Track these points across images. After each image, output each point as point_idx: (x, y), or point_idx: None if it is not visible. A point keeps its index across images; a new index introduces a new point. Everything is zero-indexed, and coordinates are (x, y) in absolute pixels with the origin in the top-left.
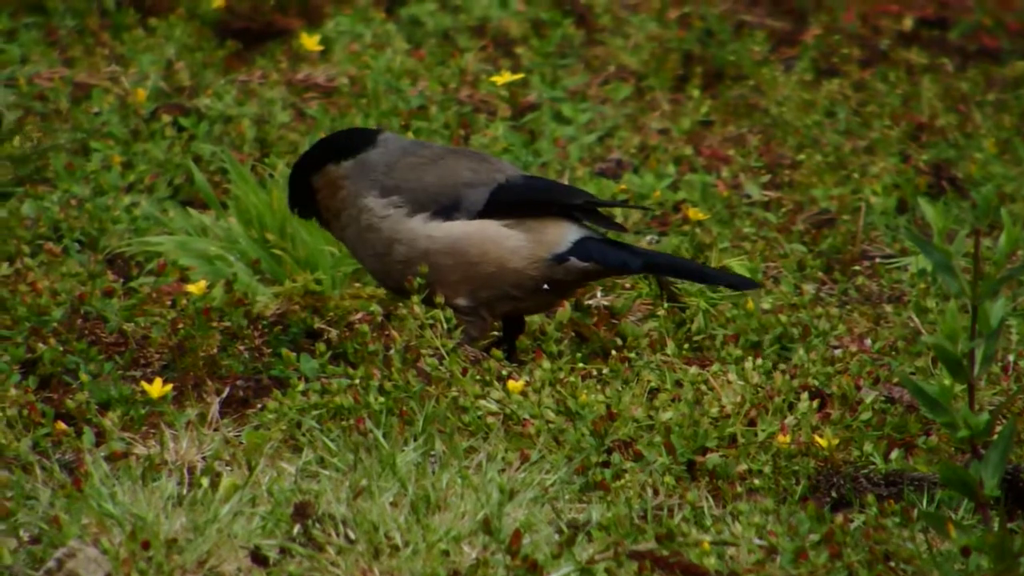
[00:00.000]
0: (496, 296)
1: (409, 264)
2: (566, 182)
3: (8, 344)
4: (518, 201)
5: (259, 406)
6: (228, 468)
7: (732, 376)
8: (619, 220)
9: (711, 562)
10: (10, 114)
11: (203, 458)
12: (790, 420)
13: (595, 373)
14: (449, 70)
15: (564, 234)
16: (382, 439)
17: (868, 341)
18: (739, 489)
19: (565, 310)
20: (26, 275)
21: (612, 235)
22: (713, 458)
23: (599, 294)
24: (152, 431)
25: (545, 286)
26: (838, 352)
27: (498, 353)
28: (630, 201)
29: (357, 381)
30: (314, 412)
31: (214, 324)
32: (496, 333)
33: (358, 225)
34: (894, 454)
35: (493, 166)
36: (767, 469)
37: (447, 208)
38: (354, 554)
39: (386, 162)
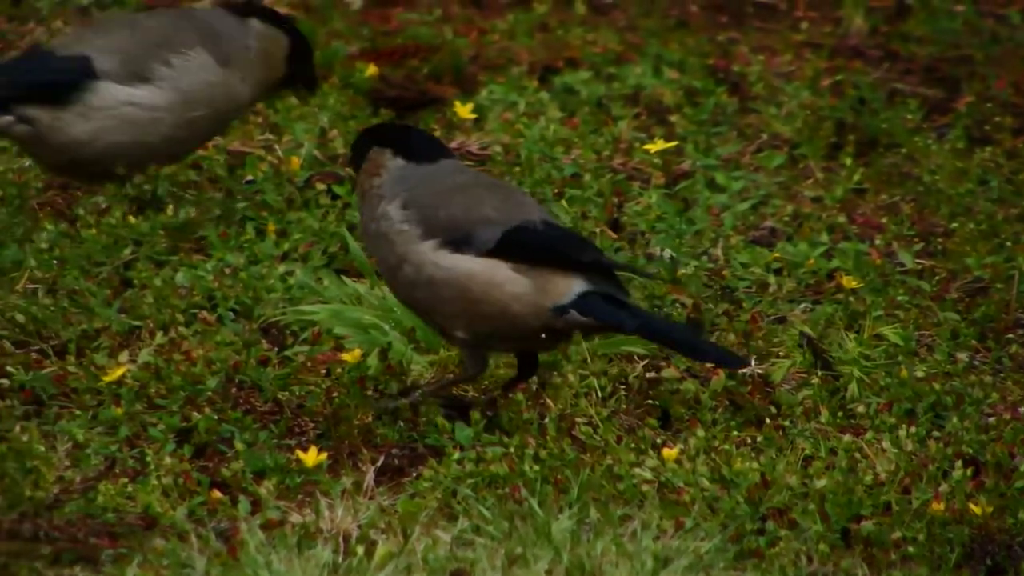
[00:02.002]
0: (495, 335)
1: (415, 287)
2: (720, 250)
3: (163, 413)
4: (530, 246)
5: (414, 474)
6: (383, 536)
7: (886, 444)
8: (751, 288)
9: None
10: (165, 184)
11: (358, 526)
12: (944, 488)
13: (749, 441)
14: (602, 138)
15: (571, 286)
16: (537, 507)
17: (1022, 409)
18: (893, 557)
19: (720, 378)
20: (180, 344)
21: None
22: (867, 526)
23: (753, 363)
24: (307, 499)
25: (542, 335)
26: (992, 420)
27: (652, 422)
28: (784, 270)
29: (512, 449)
30: (469, 480)
31: (369, 393)
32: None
33: (377, 228)
34: None
35: (519, 207)
36: (921, 537)
37: (457, 241)
38: None
39: (423, 177)
